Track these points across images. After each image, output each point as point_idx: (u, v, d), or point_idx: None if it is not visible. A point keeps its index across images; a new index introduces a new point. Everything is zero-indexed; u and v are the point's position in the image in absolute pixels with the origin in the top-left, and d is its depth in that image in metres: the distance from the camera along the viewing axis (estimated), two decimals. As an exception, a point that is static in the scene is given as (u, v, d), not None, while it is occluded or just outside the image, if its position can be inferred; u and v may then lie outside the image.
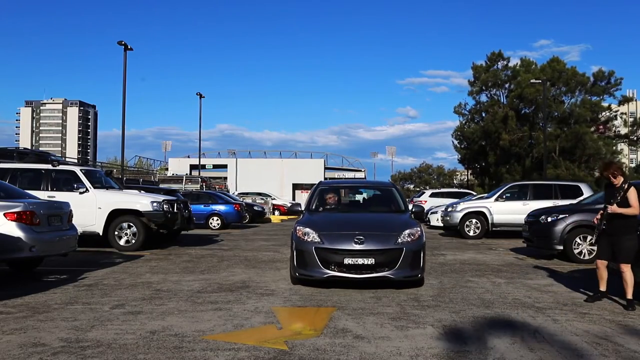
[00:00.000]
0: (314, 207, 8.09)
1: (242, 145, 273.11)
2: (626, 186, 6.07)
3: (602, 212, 6.23)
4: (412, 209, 7.98)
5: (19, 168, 11.74)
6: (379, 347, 4.29)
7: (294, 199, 47.38)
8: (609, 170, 6.25)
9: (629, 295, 5.99)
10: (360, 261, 6.54)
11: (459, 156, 47.35)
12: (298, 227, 7.03)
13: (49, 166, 11.77)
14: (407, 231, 6.82)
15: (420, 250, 6.79)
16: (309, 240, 6.74)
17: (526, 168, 40.11)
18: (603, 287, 6.34)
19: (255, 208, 26.73)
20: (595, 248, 10.26)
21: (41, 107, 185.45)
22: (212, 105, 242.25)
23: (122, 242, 11.58)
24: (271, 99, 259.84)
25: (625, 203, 6.01)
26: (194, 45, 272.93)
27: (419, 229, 6.95)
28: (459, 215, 16.78)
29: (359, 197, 10.09)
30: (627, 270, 6.02)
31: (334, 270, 6.55)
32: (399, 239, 6.71)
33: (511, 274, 8.69)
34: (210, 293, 6.61)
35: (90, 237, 11.50)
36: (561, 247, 10.42)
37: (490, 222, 16.38)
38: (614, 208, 6.01)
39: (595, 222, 6.34)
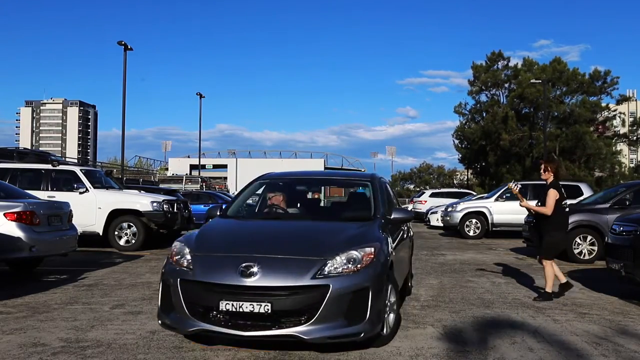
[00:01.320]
0: (231, 211, 5.41)
1: (242, 145, 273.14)
2: (550, 188, 6.40)
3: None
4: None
5: (19, 168, 11.75)
6: (379, 347, 4.28)
7: (294, 199, 47.30)
8: (549, 165, 6.57)
9: (548, 288, 6.36)
10: (247, 307, 3.79)
11: (459, 156, 47.33)
12: (174, 244, 4.60)
13: (49, 166, 11.77)
14: (343, 255, 4.05)
15: (368, 288, 3.98)
16: (177, 267, 4.23)
17: (526, 168, 40.09)
18: (549, 288, 6.41)
19: (255, 208, 26.67)
20: (595, 248, 10.31)
21: (41, 107, 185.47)
22: (212, 105, 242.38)
23: (122, 242, 11.58)
24: (271, 99, 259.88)
25: (544, 202, 6.40)
26: (194, 45, 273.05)
27: (372, 249, 4.19)
28: (459, 215, 16.79)
29: (316, 198, 7.92)
30: (547, 265, 6.36)
31: (208, 322, 3.88)
32: (323, 269, 3.93)
33: (511, 274, 8.69)
34: (210, 293, 6.59)
35: (90, 237, 11.50)
36: (561, 247, 10.41)
37: (490, 222, 16.38)
38: (524, 203, 6.54)
39: (526, 222, 6.76)
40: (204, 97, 39.75)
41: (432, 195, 28.11)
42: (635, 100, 67.31)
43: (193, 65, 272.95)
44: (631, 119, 43.75)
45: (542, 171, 6.54)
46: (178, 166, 51.80)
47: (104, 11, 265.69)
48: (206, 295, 3.90)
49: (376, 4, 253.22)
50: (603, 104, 41.03)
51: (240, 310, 3.79)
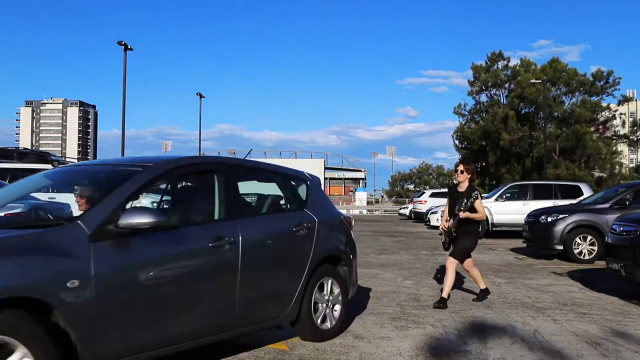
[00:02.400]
0: None
1: (242, 145, 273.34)
2: (473, 193, 5.89)
3: (448, 218, 6.07)
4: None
5: (19, 168, 11.75)
6: (379, 347, 4.29)
7: (294, 199, 47.31)
8: (465, 169, 6.05)
9: (482, 285, 6.27)
10: None
11: (459, 156, 47.33)
12: None
13: (49, 166, 11.78)
14: None
15: None
16: None
17: (526, 168, 40.09)
18: (482, 285, 6.32)
19: (255, 208, 26.69)
20: (595, 248, 10.31)
21: (41, 107, 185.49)
22: (212, 105, 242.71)
23: (122, 242, 11.55)
24: (271, 98, 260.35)
25: (472, 209, 5.89)
26: (194, 45, 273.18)
27: None
28: (459, 215, 16.76)
29: None
30: (451, 266, 5.99)
31: None
32: None
33: (511, 274, 8.69)
34: (210, 293, 6.60)
35: (91, 237, 11.48)
36: (561, 247, 10.42)
37: (490, 222, 16.37)
38: (466, 214, 5.84)
39: (444, 228, 6.08)
40: (204, 97, 39.74)
41: (432, 195, 28.13)
42: (636, 100, 67.28)
43: (193, 65, 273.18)
44: (631, 119, 43.76)
45: (458, 173, 6.06)
46: (178, 166, 51.74)
47: (104, 11, 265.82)
48: None
49: (376, 4, 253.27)
50: (604, 104, 41.05)
51: None
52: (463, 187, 6.02)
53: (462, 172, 6.01)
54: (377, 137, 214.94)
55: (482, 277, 6.36)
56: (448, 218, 6.05)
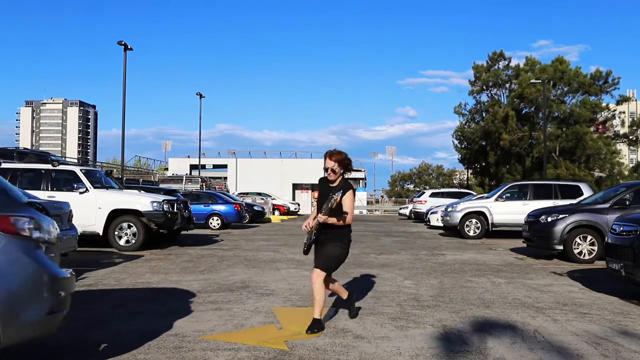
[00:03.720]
0: None
1: (242, 145, 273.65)
2: (345, 188, 4.77)
3: (314, 216, 4.87)
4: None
5: (19, 168, 11.74)
6: (379, 347, 4.29)
7: (294, 199, 47.35)
8: (334, 160, 4.79)
9: (315, 314, 4.75)
10: None
11: (459, 156, 47.38)
12: None
13: (49, 166, 11.76)
14: None
15: None
16: None
17: (526, 168, 40.12)
18: (318, 313, 4.79)
19: (255, 208, 26.73)
20: (595, 248, 10.30)
21: (41, 107, 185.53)
22: (212, 105, 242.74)
23: (122, 242, 11.57)
24: (271, 99, 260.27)
25: (339, 209, 4.74)
26: (194, 45, 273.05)
27: None
28: (459, 215, 16.79)
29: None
30: (318, 280, 4.74)
31: None
32: None
33: (511, 274, 8.69)
34: (210, 293, 6.60)
35: (90, 237, 11.49)
36: (561, 247, 10.42)
37: (490, 222, 16.38)
38: (325, 218, 4.66)
39: (306, 229, 4.88)
40: (204, 97, 39.76)
41: (432, 195, 28.18)
42: (635, 100, 67.30)
43: (193, 65, 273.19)
44: (631, 119, 43.78)
45: (330, 172, 4.79)
46: (178, 166, 51.71)
47: (104, 11, 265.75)
48: None
49: (376, 4, 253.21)
50: (603, 104, 41.07)
51: None
52: (336, 181, 4.84)
53: (333, 171, 4.79)
54: (377, 137, 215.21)
55: (322, 307, 4.83)
56: (316, 215, 4.84)
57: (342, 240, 4.87)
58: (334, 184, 4.82)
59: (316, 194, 5.02)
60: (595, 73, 40.54)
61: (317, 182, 5.03)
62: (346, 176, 4.92)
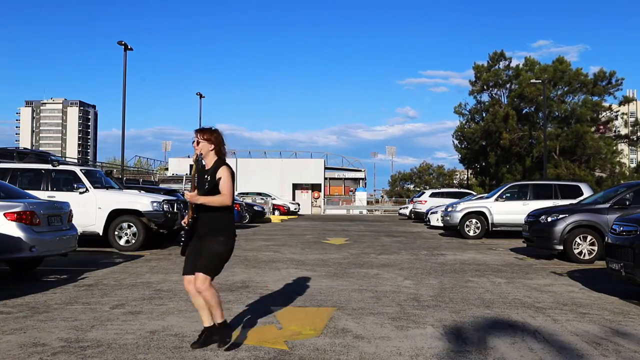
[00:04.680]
0: None
1: (242, 145, 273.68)
2: (220, 168, 4.18)
3: (191, 206, 4.17)
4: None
5: (19, 168, 11.75)
6: (379, 347, 4.29)
7: (294, 199, 47.31)
8: (205, 138, 4.23)
9: (218, 319, 4.16)
10: None
11: (460, 156, 47.38)
12: None
13: (49, 166, 11.77)
14: None
15: None
16: None
17: (526, 168, 40.11)
18: (207, 322, 4.20)
19: (255, 208, 26.73)
20: (595, 248, 10.30)
21: (41, 107, 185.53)
22: (212, 105, 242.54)
23: (122, 242, 11.57)
24: (271, 99, 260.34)
25: (214, 189, 4.13)
26: (194, 45, 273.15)
27: None
28: (459, 215, 16.79)
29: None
30: (204, 286, 4.05)
31: None
32: None
33: (511, 274, 8.69)
34: (210, 293, 6.60)
35: (90, 237, 11.50)
36: (561, 247, 10.42)
37: (490, 222, 16.38)
38: (192, 195, 4.06)
39: (185, 223, 4.23)
40: (204, 97, 39.75)
41: (432, 195, 28.16)
42: (636, 100, 67.28)
43: (193, 65, 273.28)
44: (632, 119, 43.79)
45: (194, 144, 4.24)
46: (178, 166, 51.67)
47: (104, 11, 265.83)
48: None
49: (376, 4, 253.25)
50: (606, 105, 41.08)
51: None
52: (209, 163, 4.26)
53: (198, 142, 4.22)
54: (377, 137, 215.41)
55: (221, 306, 4.19)
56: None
57: (224, 233, 4.16)
58: (209, 166, 4.24)
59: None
60: (599, 73, 40.54)
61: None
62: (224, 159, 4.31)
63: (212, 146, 4.23)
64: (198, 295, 4.10)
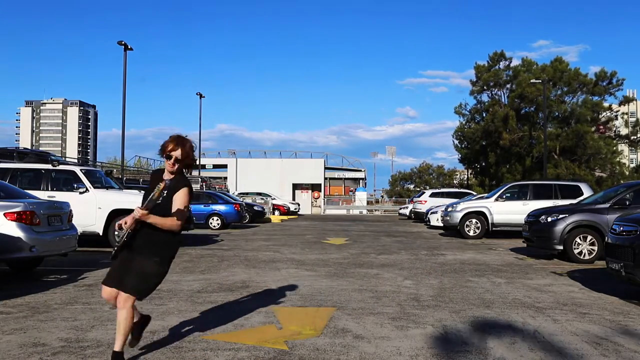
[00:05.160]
0: None
1: (242, 145, 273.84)
2: (180, 185, 3.72)
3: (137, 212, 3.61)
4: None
5: (19, 168, 11.75)
6: (379, 347, 4.29)
7: (294, 199, 47.32)
8: (186, 150, 3.72)
9: (117, 346, 3.67)
10: None
11: (460, 156, 47.38)
12: None
13: (49, 166, 11.76)
14: None
15: None
16: None
17: (526, 168, 40.11)
18: (119, 346, 3.71)
19: (255, 208, 26.73)
20: (595, 248, 10.30)
21: (41, 107, 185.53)
22: (212, 105, 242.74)
23: (122, 242, 11.55)
24: (271, 99, 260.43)
25: (166, 207, 3.68)
26: (194, 45, 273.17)
27: None
28: (459, 215, 16.79)
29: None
30: (126, 304, 3.64)
31: None
32: None
33: (511, 274, 8.69)
34: (210, 293, 6.60)
35: (90, 237, 11.49)
36: (561, 247, 10.42)
37: (490, 222, 16.38)
38: (143, 214, 3.55)
39: (119, 227, 3.66)
40: (204, 97, 39.76)
41: (432, 195, 28.17)
42: (636, 100, 67.29)
43: (193, 65, 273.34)
44: (632, 120, 43.78)
45: (168, 163, 3.72)
46: (178, 166, 51.60)
47: (104, 11, 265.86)
48: None
49: (376, 4, 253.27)
50: (606, 105, 41.07)
51: None
52: (170, 175, 3.78)
53: (176, 159, 3.70)
54: (377, 137, 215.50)
55: (127, 337, 3.76)
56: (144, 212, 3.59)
57: (162, 253, 3.74)
58: (168, 178, 3.76)
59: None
60: (600, 73, 40.52)
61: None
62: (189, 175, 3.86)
63: (183, 163, 3.75)
64: (128, 311, 3.66)
